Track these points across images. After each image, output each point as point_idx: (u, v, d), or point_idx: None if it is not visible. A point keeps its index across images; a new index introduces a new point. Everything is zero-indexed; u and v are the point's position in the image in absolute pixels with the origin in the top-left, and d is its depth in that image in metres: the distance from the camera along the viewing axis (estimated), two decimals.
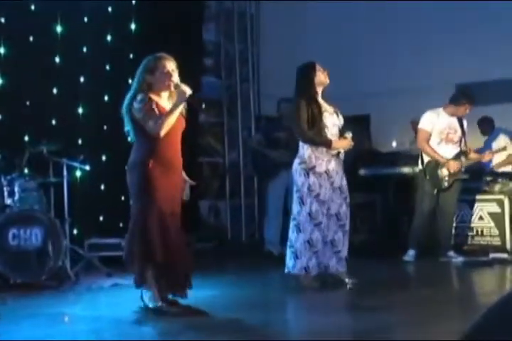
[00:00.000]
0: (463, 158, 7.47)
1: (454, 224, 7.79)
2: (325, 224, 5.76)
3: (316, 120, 5.75)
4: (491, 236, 7.81)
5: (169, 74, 4.77)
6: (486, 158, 7.76)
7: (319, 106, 5.78)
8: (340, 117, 5.94)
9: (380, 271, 6.91)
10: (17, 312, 4.91)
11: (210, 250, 9.06)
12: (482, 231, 7.86)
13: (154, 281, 4.71)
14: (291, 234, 5.82)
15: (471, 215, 7.94)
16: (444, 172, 7.38)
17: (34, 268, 6.19)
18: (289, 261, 5.80)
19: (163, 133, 4.66)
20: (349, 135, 5.83)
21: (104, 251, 7.10)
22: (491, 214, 7.82)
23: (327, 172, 5.76)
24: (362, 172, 9.11)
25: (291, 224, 5.84)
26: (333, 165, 5.80)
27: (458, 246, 7.76)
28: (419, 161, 7.54)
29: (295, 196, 5.85)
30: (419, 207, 7.53)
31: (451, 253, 7.45)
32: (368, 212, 8.93)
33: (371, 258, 7.60)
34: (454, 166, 7.36)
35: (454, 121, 7.47)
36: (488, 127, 8.87)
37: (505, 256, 7.57)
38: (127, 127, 4.84)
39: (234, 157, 10.44)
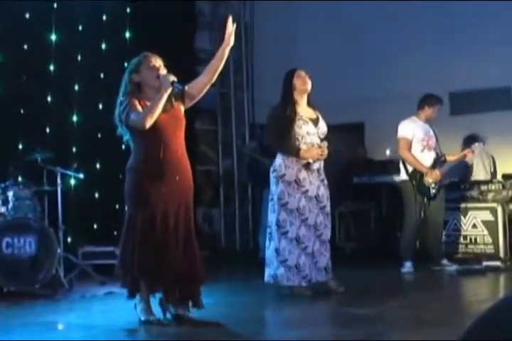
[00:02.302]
0: (441, 165, 7.46)
1: (447, 232, 7.85)
2: (303, 235, 5.72)
3: (287, 128, 5.73)
4: (484, 244, 7.83)
5: (155, 68, 4.64)
6: (467, 156, 7.62)
7: (294, 114, 5.76)
8: (321, 125, 5.88)
9: (373, 279, 6.92)
10: (10, 321, 4.91)
11: (204, 257, 9.05)
12: (475, 239, 7.89)
13: (147, 293, 4.63)
14: (267, 242, 5.86)
15: (465, 223, 7.97)
16: (429, 180, 7.37)
17: (28, 277, 6.22)
18: (265, 270, 5.86)
19: (148, 124, 4.45)
20: (324, 144, 5.78)
21: (98, 259, 7.11)
22: (485, 222, 7.84)
23: (297, 181, 5.72)
24: (356, 180, 9.13)
25: (267, 232, 5.87)
26: (304, 175, 5.74)
27: (451, 254, 7.80)
28: (404, 170, 7.49)
29: (270, 204, 5.86)
30: (408, 218, 7.45)
31: (445, 261, 7.45)
32: (362, 220, 8.95)
33: (364, 265, 7.62)
34: (436, 175, 7.35)
35: (428, 127, 7.49)
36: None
37: (498, 263, 7.57)
38: (124, 135, 4.70)
39: (228, 165, 10.45)
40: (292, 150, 5.72)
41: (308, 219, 5.76)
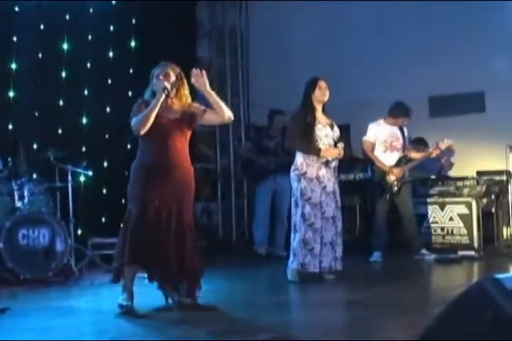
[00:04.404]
0: (404, 163, 7.59)
1: (426, 224, 7.97)
2: (322, 227, 5.91)
3: (308, 131, 5.92)
4: (460, 235, 7.90)
5: (161, 78, 4.60)
6: (433, 153, 7.66)
7: (314, 119, 5.95)
8: (336, 129, 6.10)
9: (359, 268, 7.01)
10: (26, 305, 4.97)
11: (203, 248, 9.10)
12: (452, 231, 7.96)
13: (130, 281, 4.63)
14: (292, 234, 6.00)
15: (442, 216, 8.05)
16: (391, 178, 7.50)
17: (42, 265, 6.30)
18: (290, 258, 5.97)
19: (142, 130, 4.47)
20: (340, 145, 6.01)
21: (105, 250, 7.12)
22: (460, 216, 7.90)
23: (318, 177, 5.93)
24: (342, 177, 9.17)
25: (292, 224, 6.01)
26: (323, 172, 5.96)
27: (430, 245, 7.89)
28: (369, 169, 7.68)
29: (292, 199, 6.05)
30: (375, 212, 7.61)
31: (424, 250, 7.55)
32: (348, 214, 9.00)
33: (351, 256, 7.68)
34: (397, 173, 7.49)
35: (396, 129, 7.59)
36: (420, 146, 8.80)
37: (472, 253, 7.67)
38: None
39: (225, 163, 10.51)
40: (314, 150, 5.93)
41: (325, 212, 5.96)
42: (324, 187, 5.96)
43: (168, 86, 4.56)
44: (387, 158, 7.56)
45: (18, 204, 6.44)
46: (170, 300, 4.74)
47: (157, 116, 4.54)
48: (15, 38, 7.57)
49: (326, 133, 6.01)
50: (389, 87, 9.22)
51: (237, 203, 10.40)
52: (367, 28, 9.65)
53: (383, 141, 7.54)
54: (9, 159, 6.73)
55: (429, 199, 8.17)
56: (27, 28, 7.65)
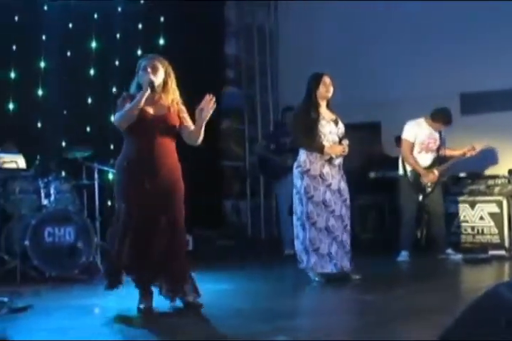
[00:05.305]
0: (438, 165, 7.45)
1: (456, 224, 7.83)
2: (332, 225, 5.77)
3: (312, 127, 5.76)
4: (490, 234, 7.78)
5: (148, 71, 4.40)
6: (468, 153, 7.56)
7: (317, 115, 5.79)
8: (340, 126, 5.93)
9: (385, 268, 6.91)
10: (49, 303, 4.95)
11: (232, 246, 9.08)
12: (482, 230, 7.84)
13: (143, 282, 4.51)
14: (299, 233, 5.86)
15: (473, 215, 7.91)
16: (425, 180, 7.37)
17: (67, 263, 6.30)
18: (300, 257, 5.84)
19: (123, 124, 4.33)
20: (345, 142, 5.83)
21: None
22: (491, 214, 7.79)
23: (321, 175, 5.77)
24: (372, 174, 9.08)
25: (298, 223, 5.87)
26: (327, 169, 5.80)
27: (459, 244, 7.76)
28: (401, 168, 7.49)
29: (295, 197, 5.88)
30: (403, 211, 7.48)
31: (449, 250, 7.42)
32: (377, 212, 8.89)
33: (378, 255, 7.59)
34: (432, 177, 7.35)
35: (434, 131, 7.45)
36: None
37: (503, 253, 7.56)
38: None
39: (254, 161, 10.45)
40: (318, 147, 5.77)
41: (335, 210, 5.81)
42: (329, 185, 5.79)
43: (155, 79, 4.39)
44: (421, 158, 7.42)
45: (45, 202, 6.46)
46: (179, 303, 4.57)
47: (142, 111, 4.36)
48: (44, 37, 7.61)
49: (330, 130, 5.83)
50: (419, 83, 9.10)
51: (266, 201, 10.33)
52: (397, 26, 9.51)
53: (421, 142, 7.40)
54: (37, 157, 6.74)
55: (459, 198, 8.03)
56: (56, 27, 7.67)
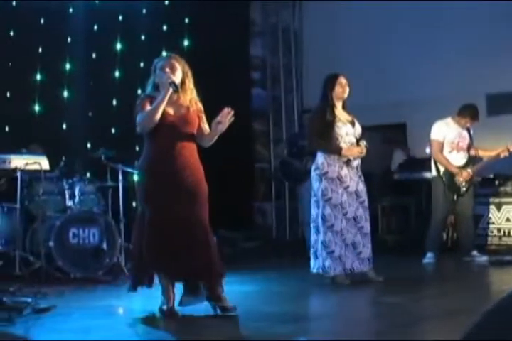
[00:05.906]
0: (472, 165, 7.33)
1: (482, 225, 7.71)
2: (343, 228, 5.69)
3: (328, 129, 5.70)
4: None
5: (167, 71, 4.31)
6: (502, 153, 7.39)
7: (333, 117, 5.72)
8: (357, 127, 5.85)
9: (410, 270, 6.83)
10: (72, 304, 4.94)
11: (257, 248, 9.05)
12: (509, 232, 7.73)
13: (166, 283, 4.42)
14: (312, 236, 5.82)
15: (499, 217, 7.80)
16: (460, 179, 7.25)
17: (91, 264, 6.32)
18: (311, 261, 5.81)
19: (147, 126, 4.25)
20: (363, 144, 5.75)
21: None
22: None
23: (339, 177, 5.69)
24: (397, 176, 9.00)
25: (311, 226, 5.82)
26: (345, 171, 5.72)
27: (485, 246, 7.65)
28: (434, 169, 7.38)
29: (312, 200, 5.82)
30: (435, 212, 7.35)
31: (475, 252, 7.30)
32: (402, 214, 8.81)
33: (403, 256, 7.51)
34: (466, 176, 7.23)
35: (463, 129, 7.34)
36: None
37: None
38: None
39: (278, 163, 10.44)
40: (335, 149, 5.69)
41: (348, 212, 5.71)
42: (346, 187, 5.70)
43: (176, 80, 4.31)
44: (453, 158, 7.30)
45: (69, 203, 6.48)
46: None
47: (163, 111, 4.27)
48: (69, 39, 7.66)
49: (346, 131, 5.75)
50: (445, 84, 9.01)
51: (291, 203, 10.28)
52: (422, 26, 9.43)
53: (451, 141, 7.28)
54: (63, 158, 6.77)
55: (485, 200, 7.91)
56: (81, 29, 7.73)
